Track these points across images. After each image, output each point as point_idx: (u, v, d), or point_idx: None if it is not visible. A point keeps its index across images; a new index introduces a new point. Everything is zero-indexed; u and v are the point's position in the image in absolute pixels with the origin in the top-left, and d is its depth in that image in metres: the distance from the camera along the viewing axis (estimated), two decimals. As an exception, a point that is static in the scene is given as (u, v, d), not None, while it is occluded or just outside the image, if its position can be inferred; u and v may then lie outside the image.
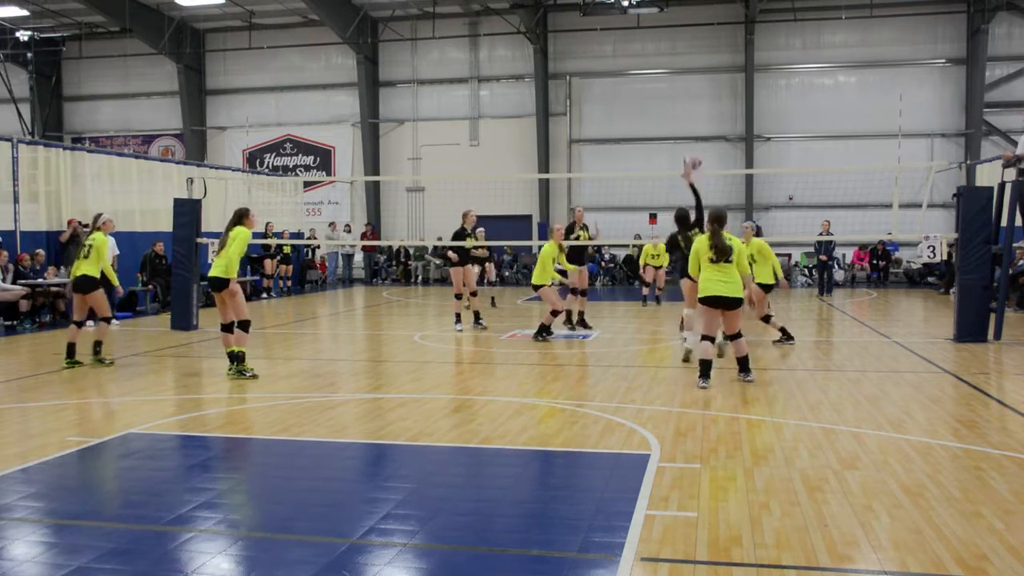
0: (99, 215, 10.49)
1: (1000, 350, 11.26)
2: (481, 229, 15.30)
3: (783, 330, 11.79)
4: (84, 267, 10.01)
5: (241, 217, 9.54)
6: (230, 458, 6.38)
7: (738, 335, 8.68)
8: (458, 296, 14.01)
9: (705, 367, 8.56)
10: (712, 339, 8.75)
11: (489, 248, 16.43)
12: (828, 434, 6.61)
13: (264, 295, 21.36)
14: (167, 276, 16.50)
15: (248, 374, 9.16)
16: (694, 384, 8.60)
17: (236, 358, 9.21)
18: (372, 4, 27.05)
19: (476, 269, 15.10)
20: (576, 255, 13.44)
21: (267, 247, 21.14)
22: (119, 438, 6.60)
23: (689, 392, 8.38)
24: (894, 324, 14.65)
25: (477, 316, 13.98)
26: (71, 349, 10.03)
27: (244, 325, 9.32)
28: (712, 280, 8.51)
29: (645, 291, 18.35)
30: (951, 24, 25.06)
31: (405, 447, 6.40)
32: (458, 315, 13.83)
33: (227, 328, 9.37)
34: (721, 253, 8.48)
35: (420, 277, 27.24)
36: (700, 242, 8.78)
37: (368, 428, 7.15)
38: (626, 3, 23.37)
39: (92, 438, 6.58)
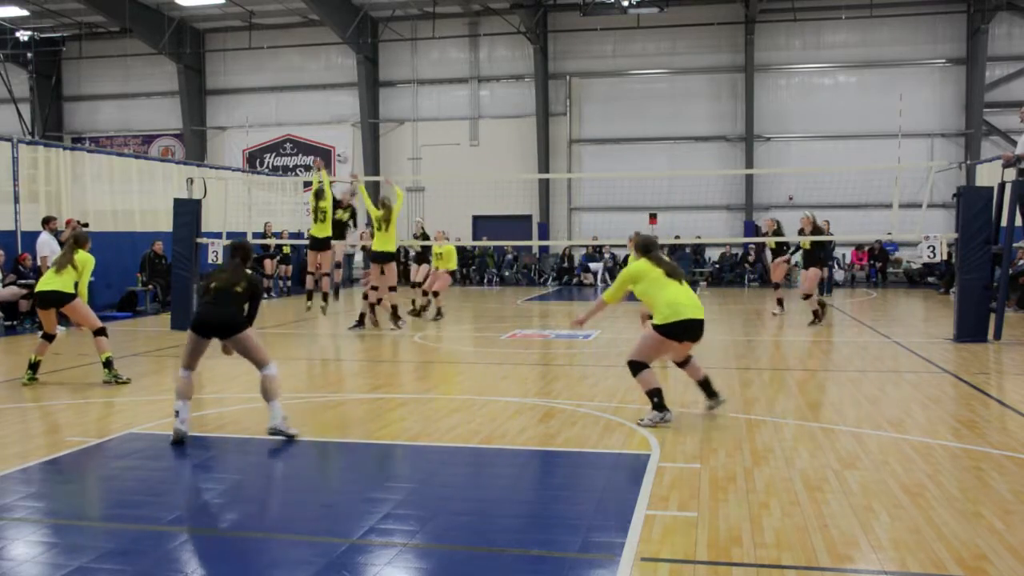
0: (83, 231, 9.75)
1: (1000, 350, 11.26)
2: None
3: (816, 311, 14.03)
4: (55, 282, 8.98)
5: (83, 242, 9.28)
6: (230, 458, 6.37)
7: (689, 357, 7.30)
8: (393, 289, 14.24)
9: (660, 396, 6.95)
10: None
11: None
12: (828, 434, 6.61)
13: (264, 295, 21.34)
14: (167, 276, 16.51)
15: (123, 378, 9.05)
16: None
17: (108, 364, 9.03)
18: (372, 4, 27.04)
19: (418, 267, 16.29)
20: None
21: (267, 247, 21.13)
22: (119, 438, 6.59)
23: (689, 392, 8.37)
24: (894, 324, 14.65)
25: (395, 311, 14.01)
26: (35, 366, 9.06)
27: (102, 332, 9.17)
28: (686, 298, 6.92)
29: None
30: (951, 24, 25.05)
31: (405, 447, 6.40)
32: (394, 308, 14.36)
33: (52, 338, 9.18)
34: (677, 272, 7.06)
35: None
36: (643, 266, 7.07)
37: (368, 428, 7.15)
38: (626, 3, 23.36)
39: (92, 438, 6.58)
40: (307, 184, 27.93)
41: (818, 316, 14.18)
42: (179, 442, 6.33)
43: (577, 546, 4.35)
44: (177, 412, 6.39)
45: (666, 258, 7.22)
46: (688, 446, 6.24)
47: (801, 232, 14.44)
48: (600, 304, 7.40)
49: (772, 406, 7.71)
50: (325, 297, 14.02)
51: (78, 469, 5.94)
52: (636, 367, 6.92)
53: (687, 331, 6.83)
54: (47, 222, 14.29)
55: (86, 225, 16.23)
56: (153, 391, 8.86)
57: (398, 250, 15.13)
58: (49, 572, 4.01)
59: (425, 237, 16.37)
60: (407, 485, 5.39)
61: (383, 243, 13.32)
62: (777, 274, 16.07)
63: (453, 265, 16.08)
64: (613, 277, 25.80)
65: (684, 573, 3.97)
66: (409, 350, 11.82)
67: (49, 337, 9.20)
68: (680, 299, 6.83)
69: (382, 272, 13.38)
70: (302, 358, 11.32)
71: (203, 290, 6.69)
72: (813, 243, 14.30)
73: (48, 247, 13.88)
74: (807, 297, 14.31)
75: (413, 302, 16.00)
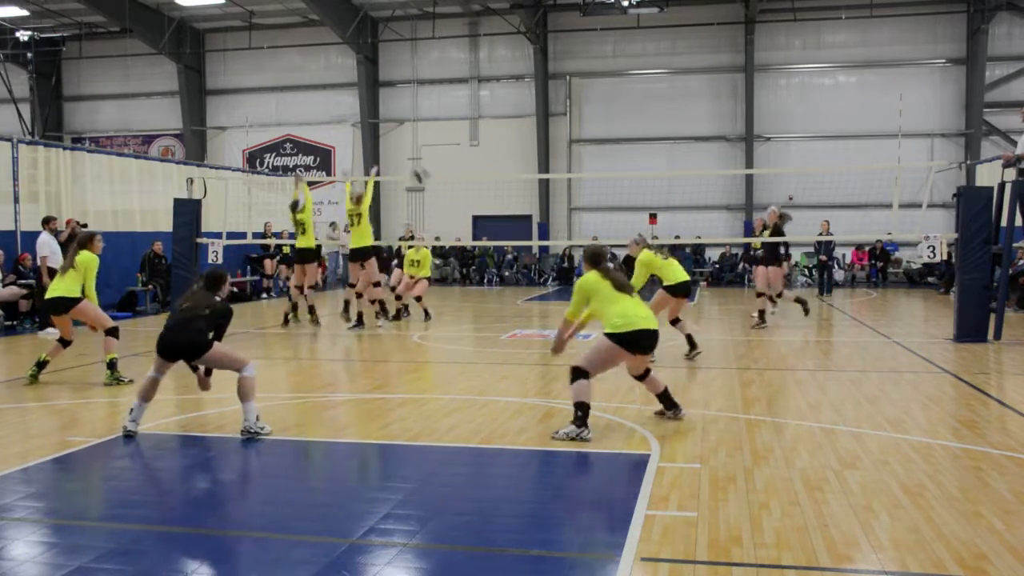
0: (94, 234, 9.56)
1: (1000, 350, 11.26)
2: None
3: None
4: (60, 287, 8.95)
5: (85, 243, 9.20)
6: (230, 458, 6.37)
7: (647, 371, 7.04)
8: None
9: (587, 412, 6.50)
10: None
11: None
12: (828, 434, 6.61)
13: (264, 295, 21.36)
14: (166, 276, 16.51)
15: (125, 380, 9.03)
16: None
17: (111, 365, 9.02)
18: (372, 4, 27.05)
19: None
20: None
21: (267, 247, 21.13)
22: (119, 438, 6.59)
23: (689, 392, 8.38)
24: (894, 324, 14.65)
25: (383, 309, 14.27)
26: (42, 365, 9.10)
27: (114, 332, 9.15)
28: (638, 309, 6.69)
29: None
30: (951, 24, 25.06)
31: (405, 447, 6.40)
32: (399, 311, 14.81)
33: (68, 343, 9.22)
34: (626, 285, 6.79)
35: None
36: (592, 279, 6.74)
37: (368, 428, 7.15)
38: (626, 3, 23.36)
39: (92, 438, 6.58)
40: (309, 185, 28.01)
41: (763, 317, 13.90)
42: (129, 437, 6.54)
43: (577, 546, 4.35)
44: (131, 410, 6.64)
45: (616, 271, 6.90)
46: (688, 446, 6.24)
47: (765, 227, 14.14)
48: (566, 324, 7.01)
49: (772, 406, 7.70)
50: (311, 310, 14.13)
51: (78, 469, 5.94)
52: (578, 373, 6.50)
53: (640, 341, 6.56)
54: (47, 222, 14.29)
55: (85, 226, 16.24)
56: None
57: (386, 248, 15.04)
58: (49, 572, 4.01)
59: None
60: (407, 485, 5.39)
61: (358, 239, 13.30)
62: (778, 281, 14.43)
63: (427, 272, 15.58)
64: (628, 274, 25.67)
65: (684, 573, 3.97)
66: (409, 350, 11.82)
67: (65, 342, 9.24)
68: (632, 310, 6.57)
69: (362, 267, 13.36)
70: (302, 358, 11.31)
71: (172, 311, 6.76)
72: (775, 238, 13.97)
73: (48, 247, 13.88)
74: (761, 296, 14.07)
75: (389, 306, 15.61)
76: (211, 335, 6.65)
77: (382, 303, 14.08)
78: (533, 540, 4.42)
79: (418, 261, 15.40)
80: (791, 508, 4.85)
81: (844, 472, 5.55)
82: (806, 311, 14.29)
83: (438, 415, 7.39)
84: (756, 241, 14.39)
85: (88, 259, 9.13)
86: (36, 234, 15.32)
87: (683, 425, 6.90)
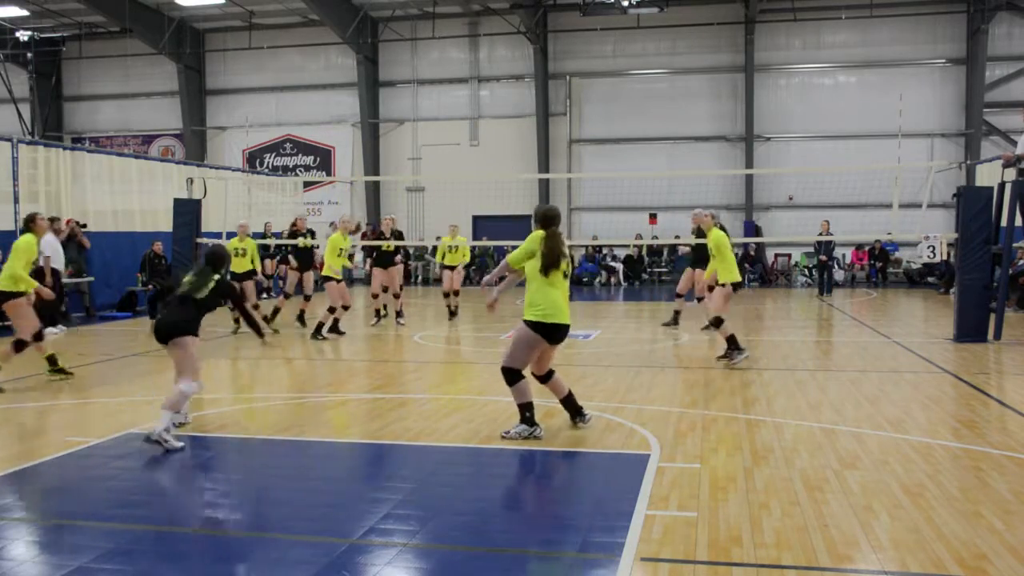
0: (36, 214, 9.01)
1: (1000, 350, 11.26)
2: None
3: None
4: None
5: (27, 224, 8.77)
6: (230, 458, 6.38)
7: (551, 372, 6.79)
8: (375, 296, 14.65)
9: (532, 410, 6.60)
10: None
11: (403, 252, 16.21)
12: (828, 434, 6.61)
13: (264, 295, 21.34)
14: (166, 276, 16.50)
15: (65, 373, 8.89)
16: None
17: (51, 360, 8.87)
18: (372, 4, 27.04)
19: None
20: (385, 258, 14.58)
21: (267, 247, 21.12)
22: (119, 438, 6.59)
23: (689, 392, 8.38)
24: (894, 324, 14.65)
25: (399, 314, 14.55)
26: (52, 359, 9.04)
27: (20, 345, 8.60)
28: (564, 301, 6.55)
29: None
30: (951, 24, 25.05)
31: (405, 447, 6.40)
32: (377, 311, 14.74)
33: (28, 343, 8.65)
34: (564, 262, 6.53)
35: (420, 277, 27.24)
36: (538, 240, 6.50)
37: (368, 428, 7.15)
38: (626, 3, 23.34)
39: (92, 438, 6.58)
40: (309, 184, 28.04)
41: (676, 320, 13.82)
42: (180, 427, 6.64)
43: (577, 546, 4.35)
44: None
45: (564, 246, 6.50)
46: (688, 446, 6.24)
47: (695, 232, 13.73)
48: (506, 268, 6.83)
49: (772, 406, 7.70)
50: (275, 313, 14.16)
51: (78, 469, 5.94)
52: (512, 376, 6.44)
53: (555, 334, 6.48)
54: (51, 222, 14.31)
55: (84, 226, 16.26)
56: (153, 391, 8.86)
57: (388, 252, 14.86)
58: (49, 572, 4.01)
59: (398, 236, 15.25)
60: (407, 485, 5.39)
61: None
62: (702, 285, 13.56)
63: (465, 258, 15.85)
64: (628, 272, 25.65)
65: (684, 573, 3.97)
66: (409, 350, 11.82)
67: (19, 344, 8.65)
68: (561, 302, 6.45)
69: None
70: (302, 358, 11.31)
71: (167, 292, 6.75)
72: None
73: (50, 247, 13.91)
74: (700, 299, 13.54)
75: (383, 307, 15.12)
76: (199, 321, 6.54)
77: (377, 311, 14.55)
78: (533, 540, 4.42)
79: (456, 247, 15.54)
80: (791, 508, 4.85)
81: (844, 472, 5.54)
82: (675, 322, 13.82)
83: (438, 415, 7.39)
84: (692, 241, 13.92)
85: (22, 241, 8.67)
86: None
87: (683, 425, 6.90)
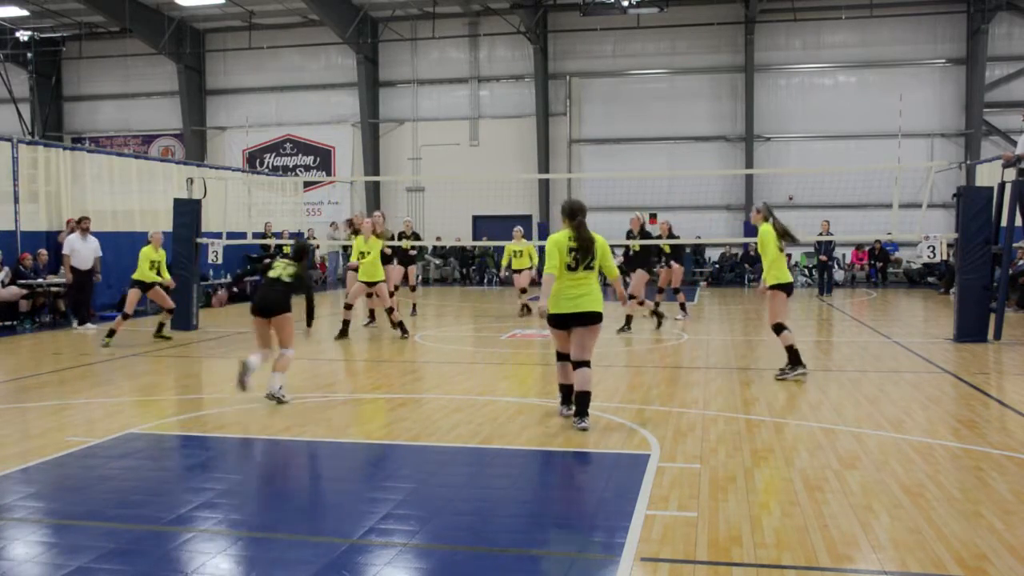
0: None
1: (1000, 350, 11.26)
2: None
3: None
4: None
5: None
6: (230, 458, 6.38)
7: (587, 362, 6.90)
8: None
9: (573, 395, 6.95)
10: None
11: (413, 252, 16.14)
12: (828, 434, 6.61)
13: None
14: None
15: None
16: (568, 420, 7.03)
17: None
18: (372, 4, 27.05)
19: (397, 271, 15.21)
20: (404, 257, 15.25)
21: (267, 247, 21.11)
22: (119, 438, 6.59)
23: (689, 392, 8.38)
24: (894, 324, 14.65)
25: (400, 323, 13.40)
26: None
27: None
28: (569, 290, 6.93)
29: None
30: (951, 24, 25.06)
31: (405, 447, 6.40)
32: (372, 312, 14.63)
33: None
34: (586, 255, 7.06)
35: (420, 277, 27.22)
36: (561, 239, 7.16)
37: (368, 428, 7.15)
38: (626, 3, 23.35)
39: (92, 438, 6.58)
40: (309, 185, 28.02)
41: (628, 324, 13.23)
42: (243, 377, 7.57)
43: (577, 546, 4.35)
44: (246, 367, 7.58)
45: (585, 236, 7.19)
46: (688, 446, 6.24)
47: (630, 234, 13.57)
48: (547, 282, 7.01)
49: (772, 406, 7.70)
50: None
51: (78, 469, 5.94)
52: (559, 356, 7.18)
53: (558, 322, 6.98)
54: (79, 222, 14.47)
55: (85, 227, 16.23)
56: (153, 391, 8.87)
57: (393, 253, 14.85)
58: (49, 572, 4.01)
59: (416, 237, 16.10)
60: (407, 485, 5.39)
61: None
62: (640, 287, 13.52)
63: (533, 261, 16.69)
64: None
65: (684, 573, 3.97)
66: (409, 350, 11.81)
67: None
68: (562, 294, 6.92)
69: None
70: (302, 357, 11.30)
71: (262, 275, 8.13)
72: (641, 246, 13.51)
73: (69, 246, 14.08)
74: (634, 298, 12.92)
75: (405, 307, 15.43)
76: (290, 300, 7.91)
77: (372, 312, 14.49)
78: (533, 540, 4.42)
79: (520, 252, 16.57)
80: (791, 508, 4.84)
81: (844, 472, 5.54)
82: (627, 326, 13.31)
83: (438, 415, 7.39)
84: (636, 244, 13.56)
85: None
86: (37, 234, 15.37)
87: (683, 425, 6.90)
